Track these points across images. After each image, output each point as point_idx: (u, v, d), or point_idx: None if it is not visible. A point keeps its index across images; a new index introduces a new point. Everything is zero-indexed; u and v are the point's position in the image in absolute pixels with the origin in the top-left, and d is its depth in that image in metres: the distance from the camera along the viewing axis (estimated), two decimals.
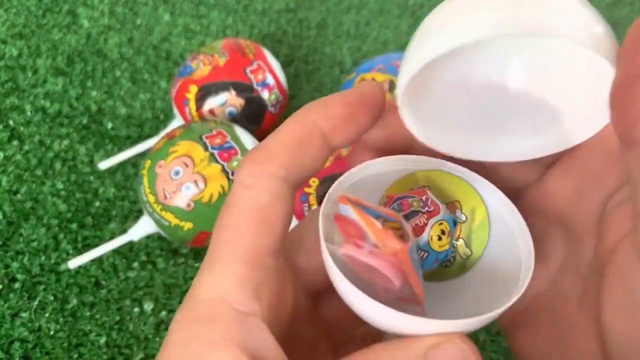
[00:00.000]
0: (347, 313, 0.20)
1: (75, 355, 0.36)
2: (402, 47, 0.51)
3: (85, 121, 0.45)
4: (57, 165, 0.43)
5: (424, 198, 0.19)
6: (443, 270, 0.21)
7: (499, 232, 0.20)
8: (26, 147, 0.44)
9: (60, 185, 0.42)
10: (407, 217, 0.19)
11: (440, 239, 0.19)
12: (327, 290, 0.21)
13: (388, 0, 0.53)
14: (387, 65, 0.40)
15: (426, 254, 0.19)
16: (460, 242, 0.21)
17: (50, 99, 0.46)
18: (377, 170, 0.20)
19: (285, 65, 0.49)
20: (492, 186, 0.20)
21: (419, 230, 0.18)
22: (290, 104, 0.46)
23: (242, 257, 0.18)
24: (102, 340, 0.36)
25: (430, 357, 0.17)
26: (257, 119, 0.41)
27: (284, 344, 0.18)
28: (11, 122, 0.45)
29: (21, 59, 0.48)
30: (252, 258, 0.18)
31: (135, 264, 0.39)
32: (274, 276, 0.19)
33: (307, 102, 0.20)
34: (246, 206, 0.18)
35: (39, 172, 0.43)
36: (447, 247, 0.19)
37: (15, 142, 0.44)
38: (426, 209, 0.19)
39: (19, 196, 0.42)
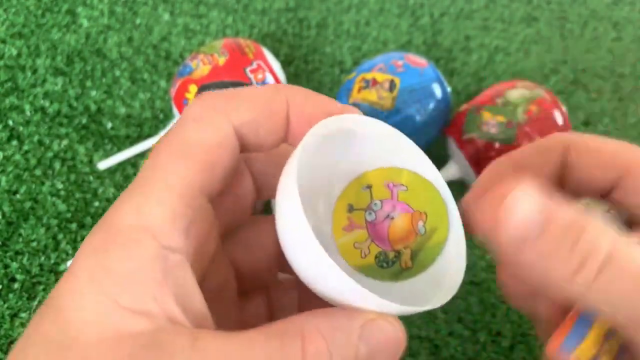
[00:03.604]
0: (258, 258, 0.21)
1: None
2: (402, 46, 0.51)
3: (84, 121, 0.45)
4: (57, 165, 0.43)
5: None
6: (379, 269, 0.21)
7: (448, 255, 0.21)
8: (25, 147, 0.44)
9: (59, 185, 0.42)
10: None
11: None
12: (238, 233, 0.22)
13: None
14: (387, 64, 0.40)
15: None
16: (407, 251, 0.21)
17: (49, 99, 0.46)
18: (353, 126, 0.20)
19: (285, 65, 0.49)
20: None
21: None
22: None
23: (180, 190, 0.17)
24: None
25: (366, 330, 0.17)
26: None
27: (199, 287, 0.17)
28: (10, 122, 0.45)
29: (20, 59, 0.48)
30: (189, 194, 0.17)
31: None
32: (204, 217, 0.18)
33: None
34: (193, 139, 0.18)
35: (38, 172, 0.43)
36: (399, 246, 0.21)
37: (14, 142, 0.44)
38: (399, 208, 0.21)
39: (18, 196, 0.41)
